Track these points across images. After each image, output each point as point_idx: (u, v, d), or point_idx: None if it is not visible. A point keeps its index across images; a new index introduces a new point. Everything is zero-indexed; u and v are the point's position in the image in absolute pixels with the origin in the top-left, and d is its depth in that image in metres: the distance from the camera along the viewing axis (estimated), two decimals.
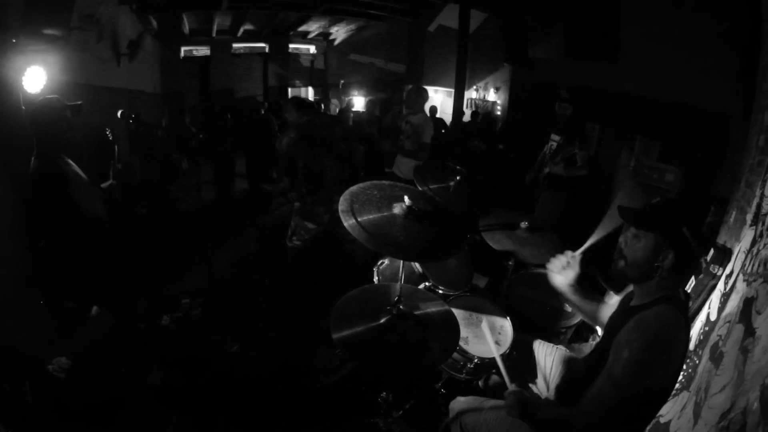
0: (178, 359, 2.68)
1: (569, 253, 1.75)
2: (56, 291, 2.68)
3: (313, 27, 9.36)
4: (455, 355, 2.07)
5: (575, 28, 5.10)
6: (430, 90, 4.92)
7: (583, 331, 2.89)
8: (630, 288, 1.62)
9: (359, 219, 1.43)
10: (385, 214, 1.50)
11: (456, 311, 2.13)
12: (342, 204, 1.49)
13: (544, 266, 2.70)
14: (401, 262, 1.73)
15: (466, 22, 6.81)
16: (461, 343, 2.06)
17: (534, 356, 1.97)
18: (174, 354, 2.73)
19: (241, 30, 8.34)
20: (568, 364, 1.85)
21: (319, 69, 11.09)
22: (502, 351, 2.06)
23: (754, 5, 2.40)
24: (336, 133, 3.40)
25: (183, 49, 7.73)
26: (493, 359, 2.04)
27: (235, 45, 8.67)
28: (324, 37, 10.41)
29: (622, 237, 1.41)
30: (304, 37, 10.03)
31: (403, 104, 4.78)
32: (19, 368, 2.27)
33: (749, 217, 1.94)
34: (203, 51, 8.00)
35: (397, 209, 1.51)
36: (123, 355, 2.60)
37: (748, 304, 1.46)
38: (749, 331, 1.31)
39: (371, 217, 1.46)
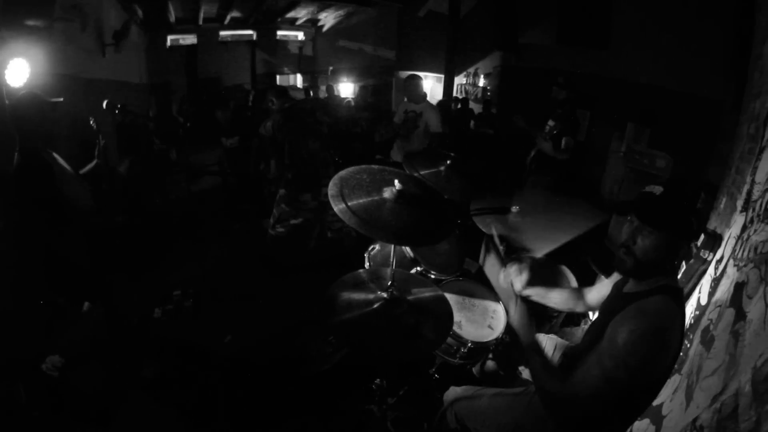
0: (172, 352, 2.67)
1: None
2: (47, 288, 2.65)
3: (301, 13, 9.18)
4: (449, 339, 2.09)
5: (567, 14, 5.08)
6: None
7: (575, 315, 2.94)
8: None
9: (349, 204, 1.42)
10: (375, 198, 1.49)
11: (448, 296, 2.15)
12: (331, 189, 1.48)
13: (534, 251, 2.77)
14: (392, 246, 1.73)
15: (456, 7, 6.77)
16: (455, 327, 2.08)
17: None
18: (167, 347, 2.73)
19: (228, 17, 8.15)
20: (562, 351, 1.87)
21: (308, 56, 10.92)
22: (495, 335, 2.09)
23: (749, 12, 2.39)
24: (318, 117, 3.42)
25: (169, 38, 7.52)
26: (486, 344, 2.07)
27: (222, 33, 8.46)
28: (312, 24, 10.22)
29: (627, 235, 1.31)
30: (292, 24, 9.84)
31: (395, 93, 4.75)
32: (11, 368, 2.24)
33: (739, 203, 1.97)
34: (190, 40, 7.80)
35: (387, 193, 1.51)
36: (116, 351, 2.59)
37: (738, 288, 1.49)
38: (740, 315, 1.35)
39: (361, 201, 1.45)
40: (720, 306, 1.62)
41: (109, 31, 4.78)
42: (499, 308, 2.26)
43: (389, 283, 1.61)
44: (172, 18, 7.23)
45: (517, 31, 6.17)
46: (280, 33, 9.80)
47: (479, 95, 8.07)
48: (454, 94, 7.97)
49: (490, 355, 2.25)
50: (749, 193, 1.86)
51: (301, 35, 10.44)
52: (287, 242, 3.44)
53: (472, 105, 7.88)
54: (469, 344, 2.04)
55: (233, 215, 4.74)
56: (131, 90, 5.16)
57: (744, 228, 1.76)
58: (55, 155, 2.30)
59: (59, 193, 2.21)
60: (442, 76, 7.53)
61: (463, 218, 2.76)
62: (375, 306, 1.55)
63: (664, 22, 3.79)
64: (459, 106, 7.76)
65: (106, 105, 2.67)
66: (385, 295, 1.59)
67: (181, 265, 3.56)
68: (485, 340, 2.07)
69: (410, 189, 1.54)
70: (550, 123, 3.99)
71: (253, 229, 4.28)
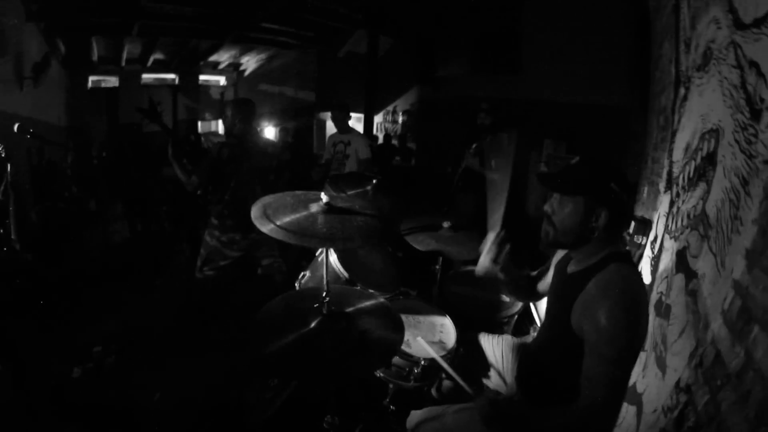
0: (95, 416, 2.27)
1: (489, 235, 1.68)
2: None
3: (223, 57, 9.08)
4: (399, 361, 1.97)
5: (479, 45, 5.51)
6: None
7: (525, 323, 2.94)
8: (560, 253, 1.60)
9: (277, 222, 1.32)
10: (302, 213, 1.40)
11: None
12: (254, 212, 1.39)
13: (472, 263, 2.76)
14: (324, 270, 1.61)
15: (374, 47, 7.04)
16: (403, 347, 1.96)
17: (482, 351, 1.88)
18: (89, 410, 2.31)
19: (151, 59, 7.86)
20: (519, 350, 1.79)
21: (230, 101, 10.74)
22: (448, 348, 1.99)
23: (642, 8, 2.72)
24: (273, 166, 3.26)
25: (91, 79, 7.09)
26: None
27: (144, 76, 8.11)
28: (234, 68, 10.14)
29: (548, 204, 1.34)
30: (214, 68, 9.68)
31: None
32: None
33: (662, 186, 2.14)
34: (112, 82, 7.40)
35: (315, 207, 1.42)
36: (28, 418, 2.13)
37: (681, 254, 1.56)
38: (690, 275, 1.40)
39: (288, 219, 1.36)
40: (667, 276, 1.69)
41: (29, 63, 4.32)
42: (447, 321, 2.18)
43: (324, 295, 1.46)
44: (95, 56, 6.82)
45: (435, 65, 6.56)
46: (202, 78, 9.59)
47: (398, 132, 8.36)
48: (374, 132, 8.17)
49: (444, 378, 2.13)
50: (670, 173, 2.02)
51: (223, 80, 10.29)
52: (216, 285, 3.17)
53: (393, 142, 8.15)
54: (422, 362, 1.92)
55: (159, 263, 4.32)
56: (49, 130, 4.60)
57: (672, 203, 1.89)
58: None
59: None
60: (362, 115, 7.69)
61: (393, 239, 2.71)
62: (312, 325, 1.40)
63: (570, 43, 4.22)
64: (381, 142, 7.98)
65: (18, 129, 2.31)
66: (321, 309, 1.44)
67: (101, 318, 3.11)
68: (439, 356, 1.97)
69: (338, 202, 1.46)
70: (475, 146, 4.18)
71: (179, 275, 3.93)
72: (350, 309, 1.53)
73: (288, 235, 1.28)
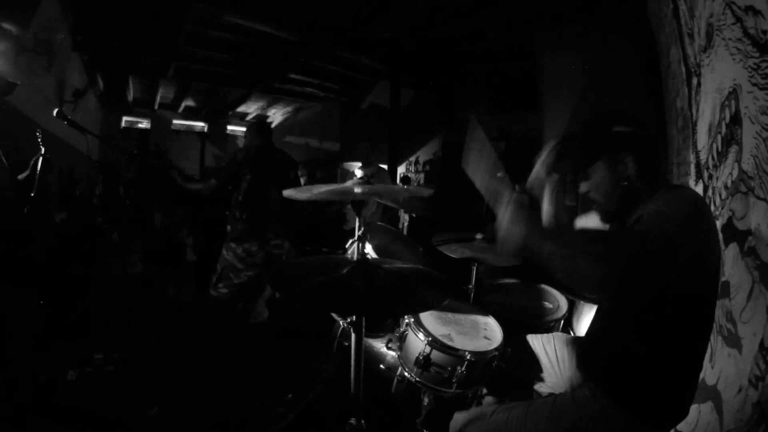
0: (80, 421, 2.11)
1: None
2: None
3: (251, 108, 9.60)
4: (440, 357, 1.81)
5: (497, 88, 5.74)
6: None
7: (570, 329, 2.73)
8: None
9: (313, 192, 1.29)
10: (338, 186, 1.38)
11: (426, 313, 1.93)
12: (287, 192, 1.36)
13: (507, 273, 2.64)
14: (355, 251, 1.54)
15: (397, 98, 7.33)
16: (445, 340, 1.82)
17: (532, 353, 1.73)
18: (75, 415, 2.16)
19: (183, 105, 8.39)
20: (574, 343, 1.63)
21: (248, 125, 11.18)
22: (495, 345, 1.85)
23: (649, 39, 2.80)
24: (290, 175, 3.33)
25: (124, 119, 7.63)
26: (487, 354, 1.80)
27: (175, 121, 8.63)
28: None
29: (581, 186, 1.25)
30: (242, 119, 10.23)
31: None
32: None
33: (692, 181, 2.06)
34: (144, 124, 7.93)
35: (350, 182, 1.41)
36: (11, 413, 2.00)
37: (727, 226, 1.48)
38: (743, 236, 1.30)
39: (324, 189, 1.31)
40: None
41: (70, 88, 4.65)
42: (491, 320, 2.05)
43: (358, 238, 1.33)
44: (131, 97, 7.30)
45: (455, 110, 6.80)
46: (230, 128, 10.11)
47: (421, 181, 8.47)
48: (397, 182, 8.30)
49: (485, 391, 1.94)
50: (697, 164, 1.95)
51: None
52: (230, 306, 3.10)
53: None
54: (468, 356, 1.75)
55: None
56: (76, 157, 4.81)
57: (705, 188, 1.81)
58: None
59: None
60: (386, 166, 7.83)
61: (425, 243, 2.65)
62: (345, 270, 1.26)
63: (584, 76, 4.32)
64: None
65: (57, 114, 2.33)
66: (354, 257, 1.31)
67: (110, 330, 3.02)
68: (486, 350, 1.81)
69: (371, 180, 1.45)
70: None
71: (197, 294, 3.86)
72: (386, 266, 1.40)
73: (329, 193, 1.27)
